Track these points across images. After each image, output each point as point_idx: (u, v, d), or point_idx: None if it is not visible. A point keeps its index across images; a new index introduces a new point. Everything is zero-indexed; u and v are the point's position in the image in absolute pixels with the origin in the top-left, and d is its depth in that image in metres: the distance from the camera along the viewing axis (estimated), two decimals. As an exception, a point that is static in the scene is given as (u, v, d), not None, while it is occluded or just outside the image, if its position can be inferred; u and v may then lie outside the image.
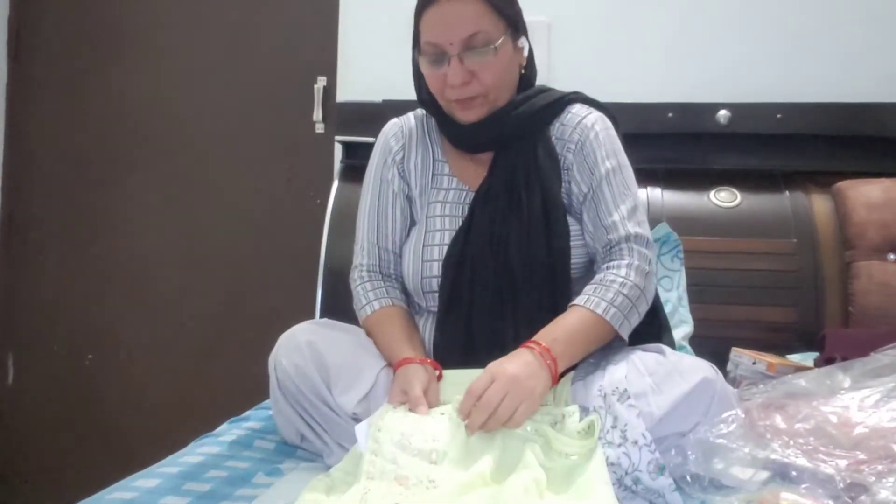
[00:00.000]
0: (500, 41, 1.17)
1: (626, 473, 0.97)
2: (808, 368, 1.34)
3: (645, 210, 1.24)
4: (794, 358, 1.56)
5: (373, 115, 2.07)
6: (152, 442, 1.62)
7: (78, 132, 2.53)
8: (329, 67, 2.29)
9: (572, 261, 1.19)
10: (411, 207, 1.31)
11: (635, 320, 1.14)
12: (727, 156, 1.98)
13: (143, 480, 1.01)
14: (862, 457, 0.96)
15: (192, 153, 2.46)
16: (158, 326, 2.47)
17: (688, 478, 0.99)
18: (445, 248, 1.23)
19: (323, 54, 2.30)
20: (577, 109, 1.27)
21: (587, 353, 1.11)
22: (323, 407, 1.11)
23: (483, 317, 1.18)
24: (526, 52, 1.26)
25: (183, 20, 2.46)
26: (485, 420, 0.98)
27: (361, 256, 1.30)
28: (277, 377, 1.13)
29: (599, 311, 1.09)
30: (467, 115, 1.22)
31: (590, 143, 1.22)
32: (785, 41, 2.03)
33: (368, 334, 1.23)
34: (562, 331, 1.08)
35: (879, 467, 0.94)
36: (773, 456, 0.99)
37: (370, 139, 2.08)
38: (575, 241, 1.20)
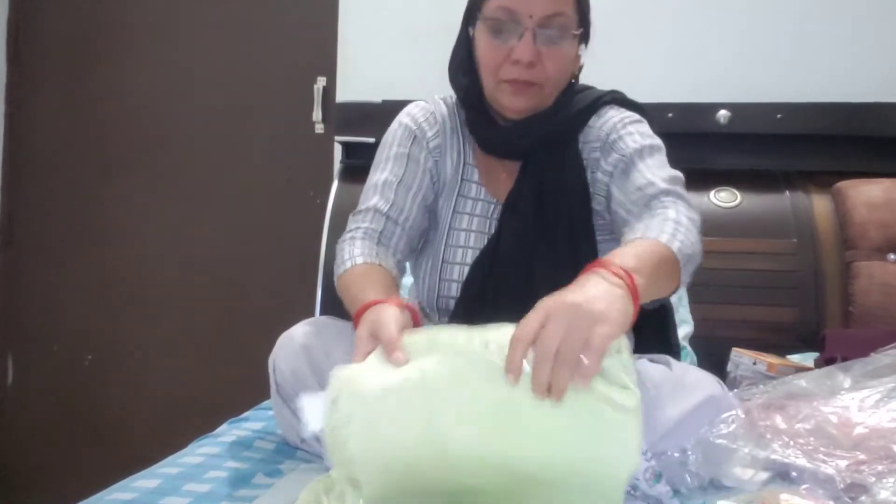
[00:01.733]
0: (574, 40, 1.10)
1: None
2: (809, 369, 1.34)
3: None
4: (795, 358, 1.56)
5: (372, 116, 2.08)
6: (152, 442, 1.62)
7: (78, 132, 2.53)
8: (329, 67, 2.29)
9: None
10: (436, 205, 1.19)
11: (694, 263, 0.99)
12: (727, 156, 1.98)
13: (143, 481, 1.01)
14: (862, 457, 0.96)
15: (191, 153, 2.46)
16: (158, 326, 2.47)
17: (688, 478, 0.99)
18: (467, 268, 1.15)
19: (323, 54, 2.30)
20: (609, 112, 1.17)
21: (661, 289, 0.90)
22: None
23: None
24: (580, 66, 1.18)
25: (183, 20, 2.46)
26: (548, 370, 0.71)
27: (362, 222, 1.14)
28: (276, 380, 1.11)
29: (664, 239, 0.91)
30: (516, 102, 1.10)
31: (616, 132, 1.13)
32: (785, 41, 2.03)
33: (341, 295, 1.07)
34: (629, 251, 0.86)
35: (880, 468, 0.94)
36: (773, 456, 0.99)
37: (370, 139, 2.10)
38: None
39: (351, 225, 1.16)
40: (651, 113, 1.91)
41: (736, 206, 1.90)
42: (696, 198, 1.91)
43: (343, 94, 2.21)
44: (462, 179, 1.20)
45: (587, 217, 1.14)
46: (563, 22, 1.07)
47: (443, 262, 1.17)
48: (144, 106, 2.49)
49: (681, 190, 1.06)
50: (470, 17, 1.14)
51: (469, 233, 1.17)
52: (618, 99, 1.20)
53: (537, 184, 1.14)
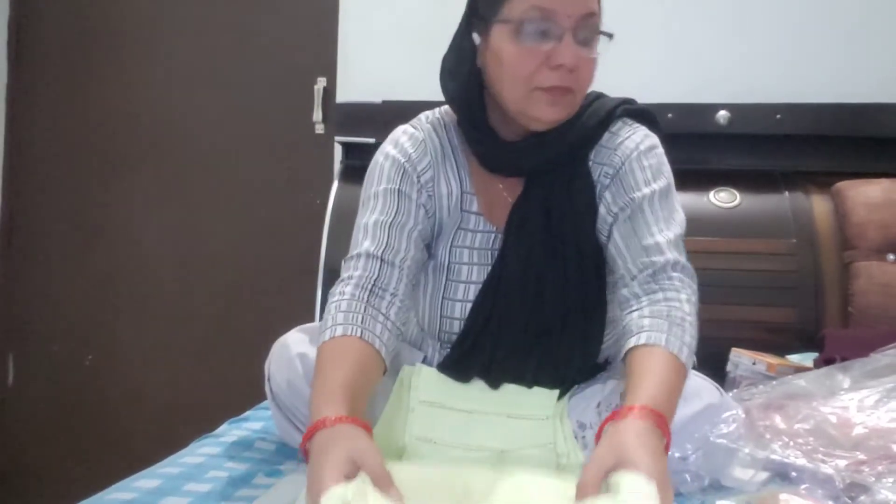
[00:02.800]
0: (604, 34, 1.01)
1: None
2: (808, 369, 1.34)
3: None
4: (794, 358, 1.56)
5: (372, 116, 2.08)
6: (152, 442, 1.62)
7: (78, 132, 2.52)
8: (329, 68, 2.29)
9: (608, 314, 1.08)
10: (432, 239, 1.10)
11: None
12: (727, 156, 1.99)
13: (144, 481, 1.01)
14: (861, 457, 0.96)
15: (191, 153, 2.46)
16: (158, 327, 2.47)
17: (687, 478, 0.99)
18: (468, 304, 1.08)
19: (323, 55, 2.30)
20: (620, 129, 1.09)
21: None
22: None
23: (500, 369, 1.06)
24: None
25: (183, 20, 2.46)
26: None
27: (354, 268, 1.02)
28: (271, 388, 1.10)
29: (683, 358, 0.92)
30: (552, 113, 1.00)
31: (629, 165, 1.05)
32: (785, 41, 2.03)
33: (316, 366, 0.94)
34: (665, 389, 0.87)
35: (879, 467, 0.94)
36: (772, 456, 0.99)
37: (370, 140, 2.10)
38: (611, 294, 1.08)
39: (343, 273, 1.03)
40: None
41: (735, 206, 1.90)
42: (696, 198, 1.92)
43: (343, 95, 2.21)
44: (462, 211, 1.10)
45: (596, 239, 1.07)
46: (595, 23, 0.99)
47: (443, 298, 1.10)
48: (144, 106, 2.49)
49: (685, 259, 1.02)
50: (479, 22, 1.02)
51: (471, 266, 1.09)
52: (630, 110, 1.12)
53: (543, 202, 1.07)
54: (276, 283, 2.37)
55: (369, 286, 1.00)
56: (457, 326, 1.09)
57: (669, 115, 1.94)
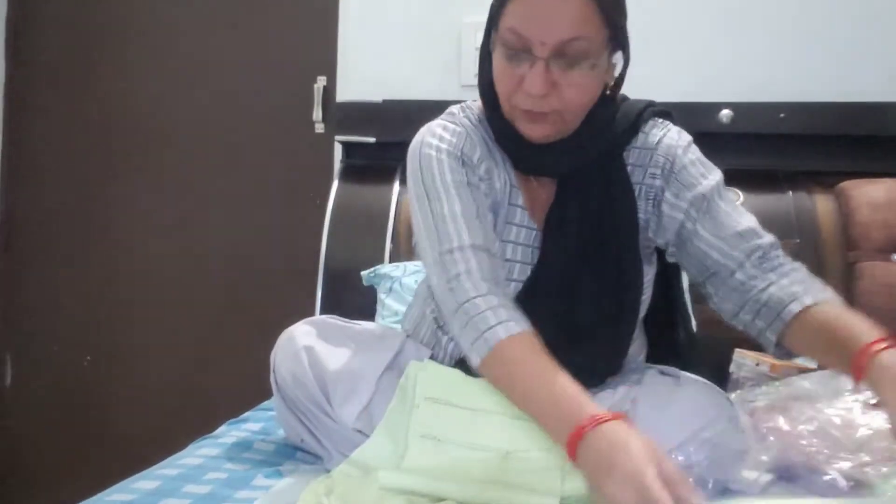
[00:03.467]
0: (598, 58, 0.96)
1: None
2: (812, 370, 1.34)
3: None
4: (798, 359, 1.56)
5: (373, 115, 2.08)
6: (151, 443, 1.61)
7: (77, 132, 2.52)
8: (329, 67, 2.28)
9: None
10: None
11: None
12: (729, 155, 1.95)
13: (143, 482, 1.00)
14: (866, 459, 0.96)
15: (190, 153, 2.45)
16: (158, 327, 2.46)
17: (691, 481, 0.98)
18: None
19: (323, 54, 2.29)
20: (651, 129, 1.10)
21: None
22: (322, 416, 1.06)
23: None
24: (617, 72, 1.04)
25: (183, 20, 2.45)
26: None
27: (467, 261, 0.97)
28: (276, 381, 1.09)
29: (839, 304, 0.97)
30: (532, 131, 1.00)
31: (680, 161, 1.07)
32: (788, 40, 2.03)
33: (499, 376, 0.94)
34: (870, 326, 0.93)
35: (883, 469, 0.94)
36: (776, 458, 0.98)
37: (370, 139, 2.10)
38: (643, 295, 1.08)
39: (452, 267, 0.97)
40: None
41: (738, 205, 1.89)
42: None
43: (343, 94, 2.21)
44: (509, 204, 1.08)
45: (635, 241, 1.06)
46: (581, 48, 0.94)
47: None
48: (144, 105, 2.48)
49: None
50: (489, 31, 1.02)
51: (514, 265, 1.07)
52: (656, 112, 1.12)
53: (580, 205, 1.05)
54: (275, 282, 2.37)
55: (490, 278, 0.97)
56: None
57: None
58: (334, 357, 1.06)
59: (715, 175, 1.07)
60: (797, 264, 1.01)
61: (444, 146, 1.06)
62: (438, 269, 0.99)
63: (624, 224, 1.05)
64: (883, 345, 0.84)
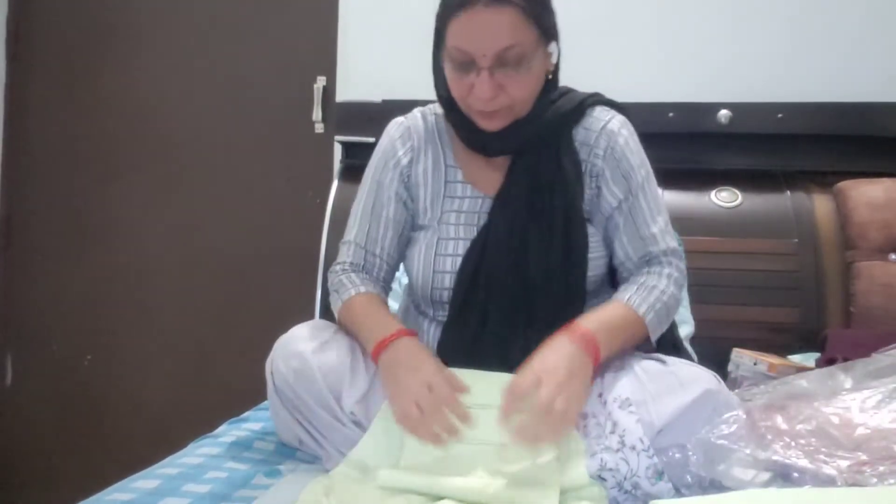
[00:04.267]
0: (534, 56, 1.11)
1: (626, 479, 0.97)
2: (810, 369, 1.34)
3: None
4: (796, 358, 1.56)
5: (372, 115, 2.07)
6: (151, 443, 1.62)
7: (77, 132, 2.52)
8: (328, 67, 2.29)
9: (588, 273, 1.17)
10: (414, 214, 1.26)
11: (665, 328, 1.16)
12: (728, 155, 1.98)
13: (143, 481, 1.01)
14: (864, 458, 0.96)
15: (191, 153, 2.46)
16: (158, 327, 2.47)
17: (689, 479, 0.99)
18: (459, 259, 1.18)
19: (322, 54, 2.29)
20: (598, 113, 1.23)
21: (623, 349, 1.08)
22: (322, 413, 1.08)
23: (494, 327, 1.15)
24: (554, 60, 1.18)
25: (183, 20, 2.46)
26: (537, 423, 0.93)
27: (347, 255, 1.26)
28: (275, 383, 1.10)
29: (640, 312, 1.09)
30: (488, 125, 1.16)
31: (619, 149, 1.20)
32: (786, 40, 2.03)
33: (344, 320, 1.17)
34: (605, 321, 1.06)
35: (881, 468, 0.94)
36: (774, 457, 0.98)
37: (370, 139, 2.10)
38: (593, 253, 1.18)
39: (339, 257, 1.27)
40: (652, 112, 1.93)
41: (737, 205, 1.90)
42: (697, 198, 1.92)
43: (343, 94, 2.21)
44: (446, 181, 1.24)
45: (580, 202, 1.19)
46: (517, 53, 1.08)
47: (436, 255, 1.20)
48: (144, 106, 2.48)
49: (674, 242, 1.20)
50: (439, 45, 1.16)
51: (458, 226, 1.21)
52: (601, 101, 1.25)
53: (530, 173, 1.18)
54: (275, 282, 2.37)
55: (359, 270, 1.25)
56: (448, 280, 1.19)
57: (670, 115, 1.94)
58: (334, 352, 1.11)
59: (643, 170, 1.20)
60: (658, 270, 1.16)
61: (382, 143, 1.29)
62: (338, 252, 1.28)
63: (573, 189, 1.18)
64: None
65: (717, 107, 1.93)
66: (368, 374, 1.10)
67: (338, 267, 1.26)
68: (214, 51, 2.44)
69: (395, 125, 1.30)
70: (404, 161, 1.25)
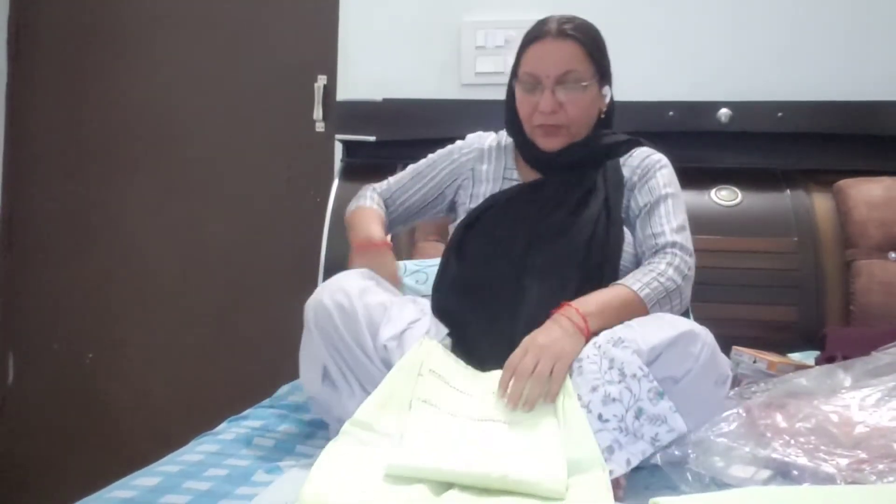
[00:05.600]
0: (588, 82, 1.33)
1: (628, 409, 1.01)
2: (809, 367, 1.34)
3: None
4: (795, 356, 1.56)
5: (373, 114, 2.08)
6: (152, 440, 1.62)
7: (78, 132, 2.52)
8: (329, 66, 2.29)
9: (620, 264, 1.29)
10: (457, 206, 1.46)
11: (664, 309, 1.21)
12: (728, 154, 1.98)
13: (143, 479, 1.01)
14: (863, 456, 0.96)
15: (191, 152, 2.46)
16: (158, 325, 2.47)
17: (688, 476, 0.99)
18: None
19: (323, 53, 2.29)
20: (644, 149, 1.41)
21: (618, 322, 1.14)
22: (356, 349, 1.13)
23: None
24: (607, 101, 1.39)
25: (183, 19, 2.46)
26: (522, 386, 1.06)
27: (380, 186, 1.49)
28: (316, 315, 1.15)
29: (635, 288, 1.18)
30: (549, 143, 1.35)
31: (653, 170, 1.36)
32: (786, 40, 2.03)
33: (349, 216, 1.44)
34: (595, 298, 1.17)
35: (880, 466, 0.94)
36: (773, 455, 0.99)
37: (370, 138, 2.10)
38: (627, 248, 1.30)
39: (367, 189, 1.49)
40: (652, 112, 1.93)
41: (737, 204, 1.90)
42: (697, 196, 1.92)
43: (343, 93, 2.21)
44: (504, 179, 1.44)
45: (619, 203, 1.34)
46: (575, 76, 1.32)
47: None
48: (144, 105, 2.48)
49: (684, 240, 1.29)
50: (514, 75, 1.39)
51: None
52: (648, 144, 1.43)
53: (569, 181, 1.35)
54: (276, 281, 2.37)
55: (377, 203, 1.47)
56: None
57: (671, 113, 1.94)
58: (379, 295, 1.21)
59: (674, 188, 1.36)
60: (660, 258, 1.26)
61: (457, 143, 1.50)
62: (382, 181, 1.53)
63: (613, 188, 1.34)
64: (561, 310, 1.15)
65: (716, 106, 1.93)
66: (405, 320, 1.20)
67: (370, 186, 1.50)
68: (215, 50, 2.44)
69: (472, 135, 1.51)
70: (465, 158, 1.47)
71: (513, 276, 1.25)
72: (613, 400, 1.01)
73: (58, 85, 2.54)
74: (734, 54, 2.04)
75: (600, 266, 1.26)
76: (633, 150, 1.41)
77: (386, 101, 2.07)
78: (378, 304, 1.17)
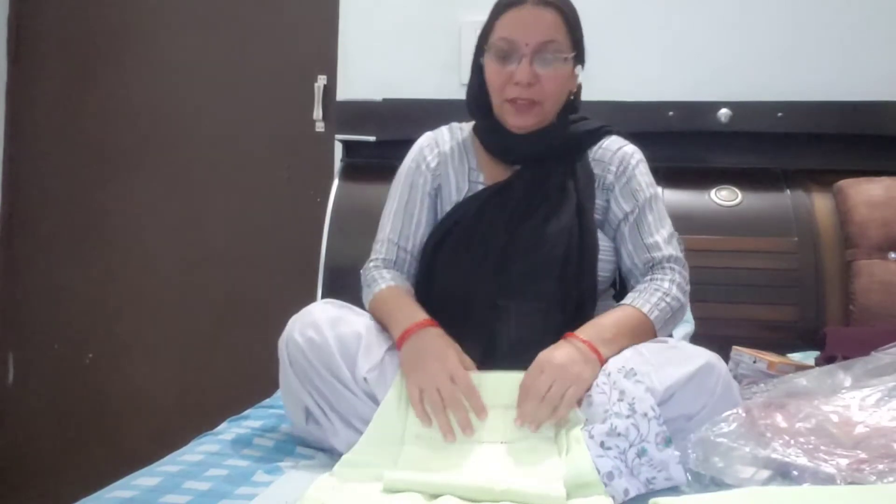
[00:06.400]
0: (568, 55, 1.24)
1: (631, 445, 0.98)
2: (809, 367, 1.34)
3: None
4: (795, 357, 1.56)
5: (373, 114, 2.08)
6: (152, 440, 1.62)
7: (78, 132, 2.52)
8: (329, 66, 2.29)
9: (599, 273, 1.25)
10: (440, 211, 1.35)
11: (671, 329, 1.22)
12: (728, 154, 1.98)
13: (144, 479, 1.01)
14: (863, 456, 0.96)
15: (191, 152, 2.46)
16: (159, 325, 2.47)
17: (688, 476, 0.99)
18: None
19: (323, 53, 2.29)
20: (614, 139, 1.35)
21: (633, 344, 1.12)
22: (334, 382, 1.10)
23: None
24: (577, 83, 1.32)
25: (183, 19, 2.46)
26: (536, 407, 1.03)
27: (380, 252, 1.34)
28: (289, 353, 1.12)
29: (644, 310, 1.16)
30: (520, 120, 1.26)
31: (631, 169, 1.30)
32: (786, 39, 2.03)
33: (374, 310, 1.23)
34: (608, 321, 1.14)
35: (880, 466, 0.94)
36: (773, 455, 0.98)
37: (370, 138, 2.10)
38: (603, 255, 1.26)
39: (372, 255, 1.35)
40: (652, 112, 1.93)
41: (737, 204, 1.90)
42: (697, 196, 1.92)
43: (343, 93, 2.21)
44: (470, 182, 1.34)
45: (592, 205, 1.28)
46: (556, 47, 1.22)
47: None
48: (144, 105, 2.48)
49: (677, 251, 1.27)
50: (479, 48, 1.29)
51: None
52: (617, 132, 1.37)
53: (539, 177, 1.28)
54: (275, 281, 2.37)
55: (391, 266, 1.32)
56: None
57: (670, 113, 1.94)
58: (350, 325, 1.15)
59: (653, 188, 1.31)
60: (661, 275, 1.23)
61: (414, 151, 1.38)
62: (372, 250, 1.36)
63: (584, 189, 1.27)
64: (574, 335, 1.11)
65: (716, 105, 1.93)
66: (383, 347, 1.15)
67: (370, 264, 1.34)
68: (215, 50, 2.44)
69: (424, 137, 1.40)
70: (433, 164, 1.35)
71: (488, 297, 1.19)
72: (619, 434, 0.98)
73: (58, 85, 2.54)
74: (734, 54, 2.04)
75: (577, 278, 1.21)
76: (602, 141, 1.33)
77: (386, 101, 2.07)
78: (352, 334, 1.13)
